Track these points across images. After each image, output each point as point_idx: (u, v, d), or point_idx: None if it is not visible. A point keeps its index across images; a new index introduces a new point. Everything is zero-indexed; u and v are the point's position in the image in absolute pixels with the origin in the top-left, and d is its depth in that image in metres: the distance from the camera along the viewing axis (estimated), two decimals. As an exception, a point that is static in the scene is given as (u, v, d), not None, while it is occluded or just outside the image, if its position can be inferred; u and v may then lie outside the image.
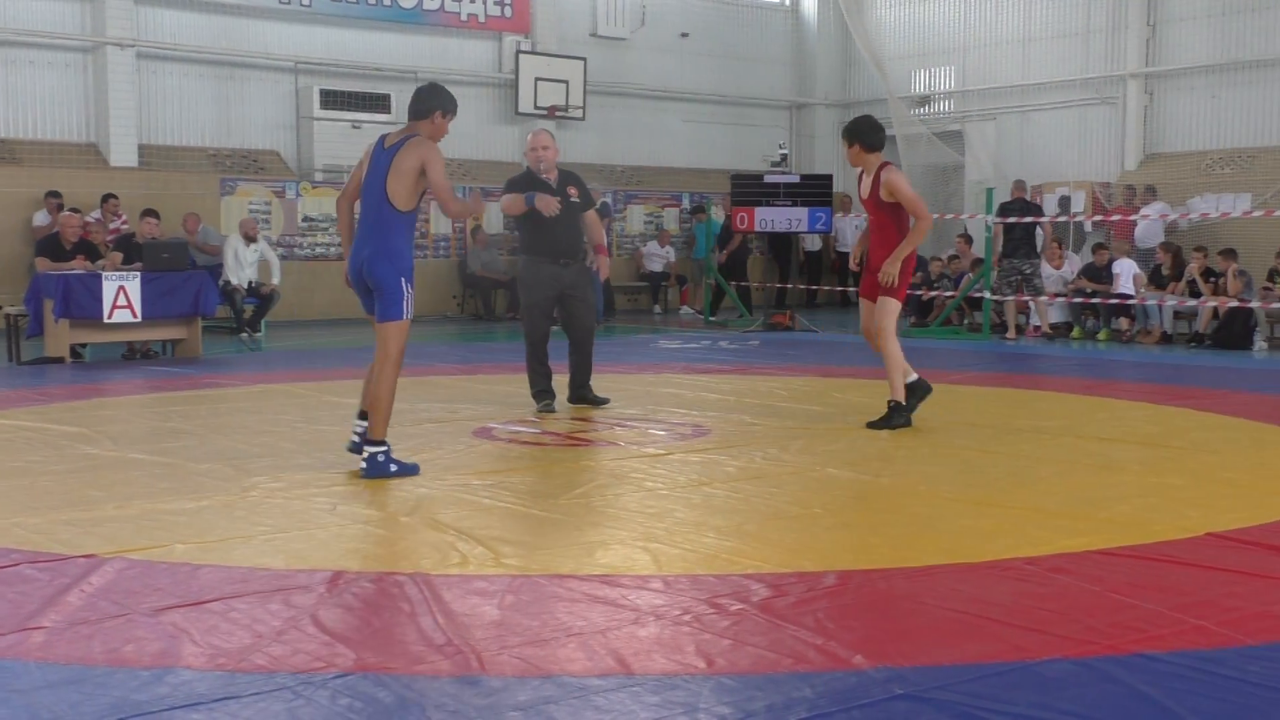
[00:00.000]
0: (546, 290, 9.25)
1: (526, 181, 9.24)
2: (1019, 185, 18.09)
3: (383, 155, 6.86)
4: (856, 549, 5.22)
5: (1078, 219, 18.92)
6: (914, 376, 8.47)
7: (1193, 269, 15.84)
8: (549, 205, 8.95)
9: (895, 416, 8.36)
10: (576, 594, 4.50)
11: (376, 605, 4.36)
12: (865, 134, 8.45)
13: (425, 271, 20.07)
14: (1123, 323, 16.25)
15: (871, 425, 8.35)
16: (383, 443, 6.77)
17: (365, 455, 6.77)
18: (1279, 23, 19.03)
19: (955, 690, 3.52)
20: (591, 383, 9.53)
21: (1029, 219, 16.67)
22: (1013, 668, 3.71)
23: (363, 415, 7.01)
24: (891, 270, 8.24)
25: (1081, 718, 3.33)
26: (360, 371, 8.05)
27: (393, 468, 6.75)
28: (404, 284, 6.84)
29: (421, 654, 3.86)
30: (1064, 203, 19.87)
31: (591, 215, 9.41)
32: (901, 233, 8.36)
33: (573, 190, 9.27)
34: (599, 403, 9.43)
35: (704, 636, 4.01)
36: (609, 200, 20.42)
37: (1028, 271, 16.67)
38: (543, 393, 9.30)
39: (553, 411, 9.17)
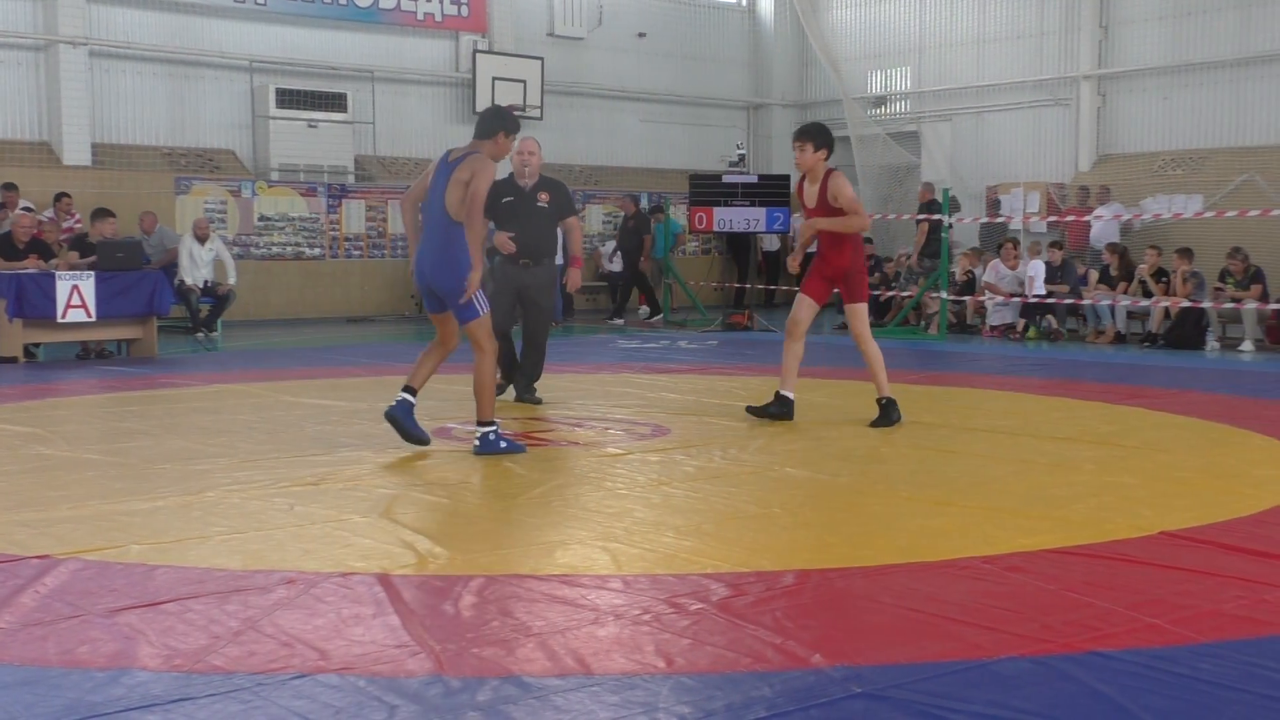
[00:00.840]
0: (505, 288, 9.53)
1: (503, 187, 9.30)
2: (927, 188, 18.62)
3: (445, 169, 7.33)
4: (814, 548, 5.24)
5: (1032, 219, 19.07)
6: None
7: (1143, 270, 16.01)
8: (504, 245, 9.34)
9: (892, 411, 8.55)
10: (536, 594, 4.50)
11: (334, 606, 4.34)
12: (819, 135, 8.53)
13: (384, 270, 20.03)
14: (1052, 320, 16.66)
15: (874, 425, 8.50)
16: (491, 422, 7.42)
17: (478, 435, 7.42)
18: (1229, 25, 19.23)
19: (913, 689, 3.54)
20: (549, 382, 9.55)
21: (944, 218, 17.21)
22: (970, 666, 3.74)
23: (408, 388, 7.56)
24: (820, 224, 8.48)
25: (1038, 715, 3.36)
26: (317, 370, 7.99)
27: (502, 444, 7.39)
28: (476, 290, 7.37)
29: (380, 654, 3.85)
30: (995, 205, 20.04)
31: (571, 223, 9.65)
32: (850, 236, 8.53)
33: (543, 196, 9.48)
34: (536, 403, 9.59)
35: (663, 636, 4.02)
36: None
37: (928, 266, 17.57)
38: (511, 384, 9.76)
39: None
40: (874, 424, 8.51)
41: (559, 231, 9.76)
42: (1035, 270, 16.81)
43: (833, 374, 12.01)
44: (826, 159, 8.51)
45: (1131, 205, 18.85)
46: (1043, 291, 16.50)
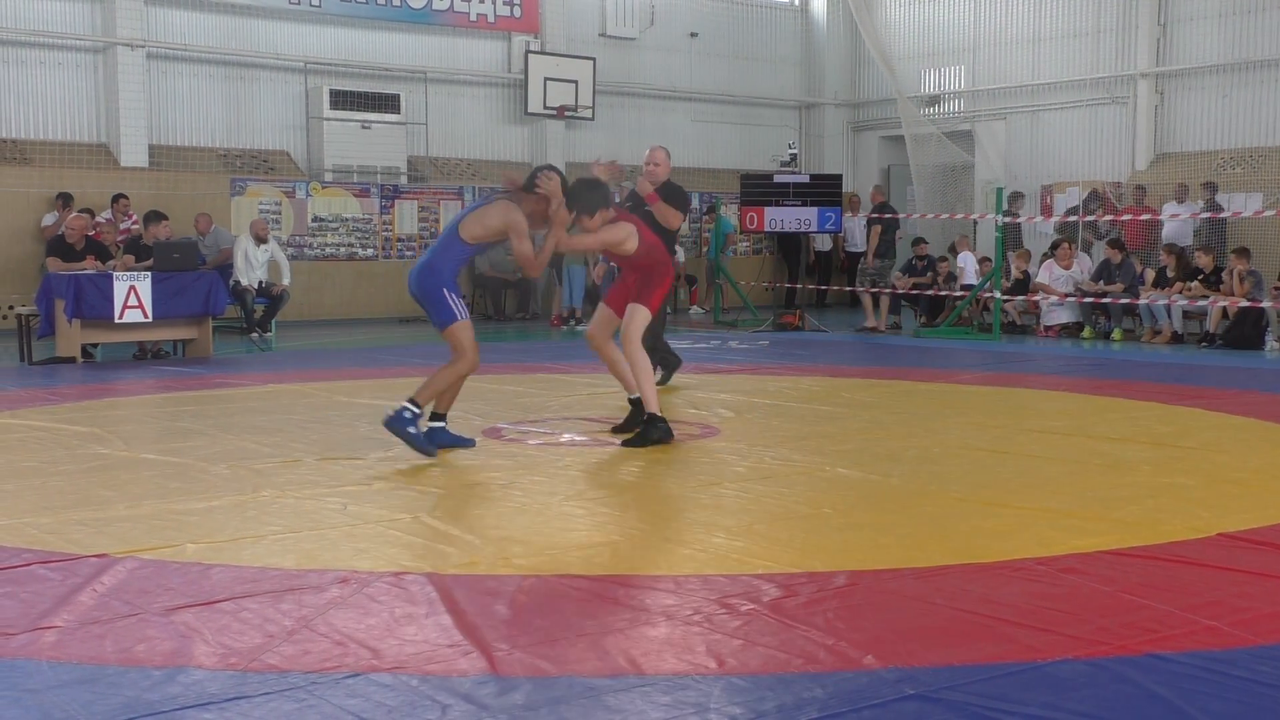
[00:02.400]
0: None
1: (636, 196, 9.92)
2: (878, 190, 19.18)
3: (482, 200, 7.63)
4: (867, 549, 5.21)
5: (1089, 218, 18.91)
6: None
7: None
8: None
9: (652, 430, 7.75)
10: (587, 594, 4.50)
11: (387, 605, 4.36)
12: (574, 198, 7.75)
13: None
14: (968, 311, 17.50)
15: (628, 444, 7.68)
16: (417, 405, 7.27)
17: (398, 407, 7.23)
18: (1290, 22, 19.00)
19: (966, 690, 3.52)
20: (595, 381, 9.58)
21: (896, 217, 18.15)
22: (1024, 668, 3.71)
23: (435, 415, 7.55)
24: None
25: (1093, 718, 3.33)
26: (370, 370, 8.05)
27: (411, 429, 7.20)
28: (445, 293, 7.33)
29: (432, 654, 3.86)
30: (1074, 210, 19.91)
31: (660, 207, 9.87)
32: (647, 251, 7.98)
33: (655, 202, 9.82)
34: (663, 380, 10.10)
35: (715, 636, 4.01)
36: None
37: (882, 266, 18.28)
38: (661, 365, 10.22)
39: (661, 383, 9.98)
40: (629, 443, 7.69)
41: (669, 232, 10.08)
42: (965, 261, 18.03)
43: (883, 374, 11.96)
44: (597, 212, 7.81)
45: (1192, 204, 18.65)
46: (973, 282, 17.37)
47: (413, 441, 7.23)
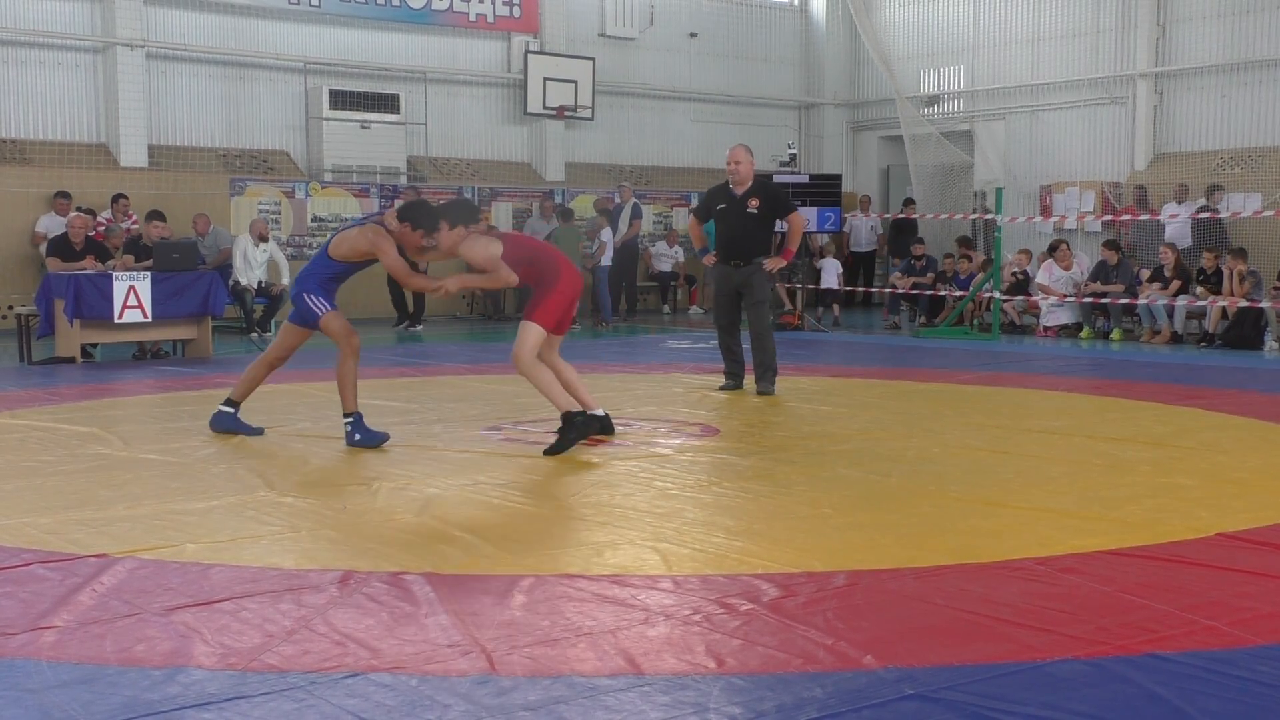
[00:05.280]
0: (723, 288, 10.53)
1: (718, 194, 10.46)
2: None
3: (359, 220, 8.07)
4: (866, 549, 5.21)
5: (1087, 218, 18.94)
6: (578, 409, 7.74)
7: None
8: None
9: (570, 430, 7.53)
10: (586, 594, 4.50)
11: (387, 605, 4.36)
12: (413, 216, 7.69)
13: (434, 271, 20.08)
14: (835, 308, 19.20)
15: (547, 452, 7.46)
16: (352, 414, 7.70)
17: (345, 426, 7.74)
18: (1289, 22, 19.00)
19: (966, 690, 3.52)
20: (600, 381, 9.56)
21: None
22: (1023, 668, 3.71)
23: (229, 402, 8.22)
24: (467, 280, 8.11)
25: (1093, 718, 3.33)
26: (369, 370, 8.05)
27: (356, 436, 7.61)
28: (305, 296, 7.77)
29: (432, 653, 3.86)
30: (1068, 204, 19.98)
31: (791, 219, 10.40)
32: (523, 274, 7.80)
33: (753, 202, 10.20)
34: (766, 393, 10.08)
35: (714, 636, 4.01)
36: (636, 202, 20.43)
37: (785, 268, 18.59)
38: (726, 374, 10.52)
39: (731, 390, 10.32)
40: (549, 451, 7.47)
41: (774, 231, 10.49)
42: (826, 265, 19.64)
43: (883, 374, 11.96)
44: (451, 229, 7.67)
45: (1192, 204, 18.66)
46: (835, 286, 18.99)
47: (365, 443, 7.58)
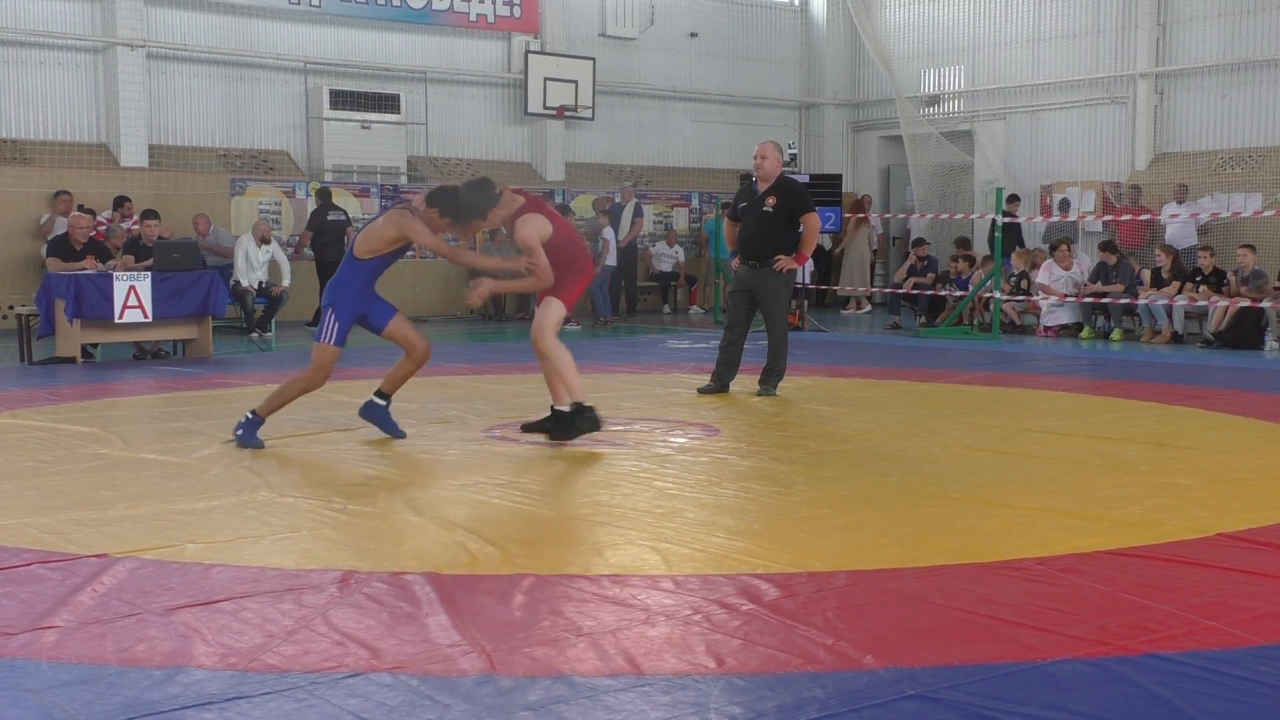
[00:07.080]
0: (738, 285, 10.38)
1: (743, 192, 10.30)
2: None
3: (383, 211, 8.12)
4: (866, 549, 5.21)
5: (1088, 218, 18.93)
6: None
7: (1205, 261, 15.73)
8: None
9: (580, 420, 7.70)
10: (587, 594, 4.50)
11: (387, 605, 4.36)
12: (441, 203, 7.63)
13: (436, 271, 20.09)
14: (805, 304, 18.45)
15: (554, 439, 7.68)
16: (256, 415, 7.68)
17: (243, 418, 7.72)
18: (1290, 22, 19.00)
19: (966, 690, 3.52)
20: (600, 381, 9.57)
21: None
22: (1024, 668, 3.71)
23: (379, 394, 8.00)
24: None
25: (1093, 718, 3.33)
26: (376, 370, 8.06)
27: (239, 432, 7.65)
28: (329, 311, 7.69)
29: (432, 653, 3.86)
30: (1064, 205, 19.97)
31: (807, 220, 10.03)
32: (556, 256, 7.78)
33: (770, 200, 9.98)
34: (767, 395, 10.01)
35: (714, 636, 4.01)
36: (637, 201, 20.43)
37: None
38: (712, 375, 10.33)
39: (711, 393, 10.14)
40: (529, 426, 7.79)
41: (797, 231, 10.11)
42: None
43: (883, 374, 11.96)
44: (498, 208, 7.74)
45: (1192, 204, 18.67)
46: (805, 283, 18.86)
47: (244, 442, 7.58)
